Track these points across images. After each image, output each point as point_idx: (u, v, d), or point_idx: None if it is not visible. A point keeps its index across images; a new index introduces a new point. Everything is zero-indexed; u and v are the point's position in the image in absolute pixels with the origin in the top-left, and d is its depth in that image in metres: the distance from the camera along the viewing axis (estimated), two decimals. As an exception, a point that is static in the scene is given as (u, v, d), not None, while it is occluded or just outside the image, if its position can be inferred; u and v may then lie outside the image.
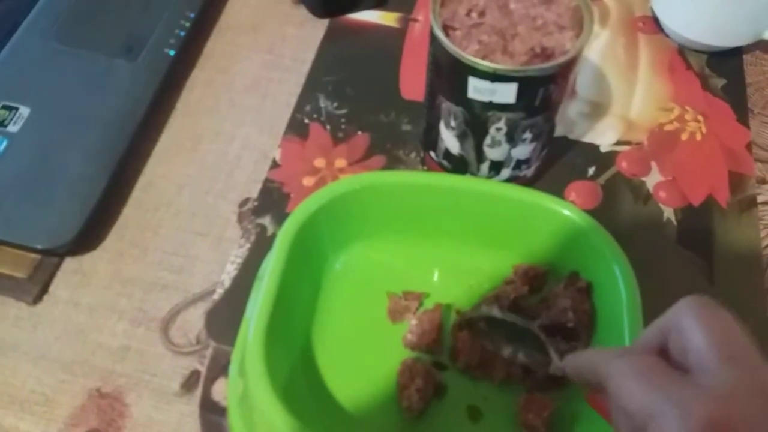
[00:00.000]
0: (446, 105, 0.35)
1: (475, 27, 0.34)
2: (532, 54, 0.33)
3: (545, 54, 0.33)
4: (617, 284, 0.32)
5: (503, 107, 0.33)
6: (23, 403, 0.35)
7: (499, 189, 0.36)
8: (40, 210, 0.39)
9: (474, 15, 0.35)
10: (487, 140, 0.36)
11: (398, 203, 0.37)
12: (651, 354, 0.23)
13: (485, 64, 0.32)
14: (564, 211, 0.34)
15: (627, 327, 0.31)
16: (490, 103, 0.33)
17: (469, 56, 0.32)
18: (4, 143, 0.41)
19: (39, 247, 0.39)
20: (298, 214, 0.35)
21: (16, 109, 0.42)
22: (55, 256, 0.40)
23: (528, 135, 0.36)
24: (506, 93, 0.32)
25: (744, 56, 0.49)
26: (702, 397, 0.20)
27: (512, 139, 0.36)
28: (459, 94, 0.34)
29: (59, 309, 0.39)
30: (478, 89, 0.33)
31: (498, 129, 0.35)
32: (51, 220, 0.39)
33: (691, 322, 0.22)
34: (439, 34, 0.33)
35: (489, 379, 0.34)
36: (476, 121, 0.35)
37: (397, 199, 0.37)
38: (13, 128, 0.42)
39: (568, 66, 0.33)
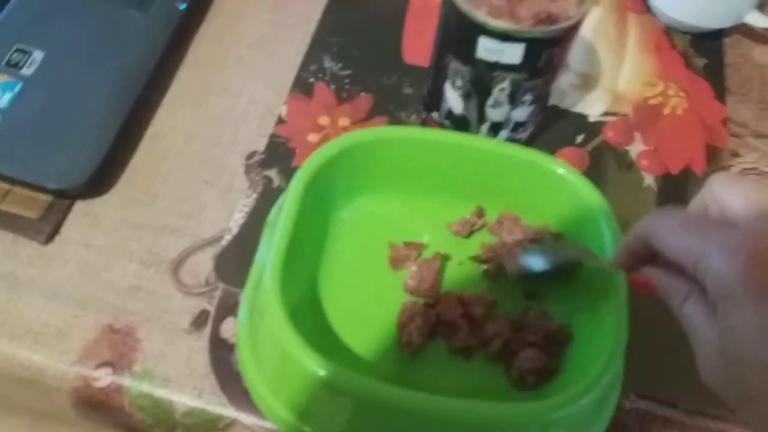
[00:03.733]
0: (454, 65, 0.38)
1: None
2: (537, 19, 0.36)
3: (549, 20, 0.36)
4: (602, 242, 0.35)
5: (509, 68, 0.36)
6: (37, 335, 0.37)
7: (500, 147, 0.38)
8: (54, 152, 0.40)
9: (484, -22, 0.37)
10: (490, 101, 0.38)
11: (405, 158, 0.39)
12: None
13: (496, 24, 0.34)
14: (558, 170, 0.37)
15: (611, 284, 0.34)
16: (497, 63, 0.36)
17: (481, 15, 0.34)
18: (19, 85, 0.42)
19: (52, 187, 0.40)
20: (311, 164, 0.37)
21: (30, 52, 0.43)
22: (66, 198, 0.41)
23: (529, 97, 0.38)
24: (513, 53, 0.35)
25: (724, 39, 0.52)
26: (743, 235, 0.23)
27: (514, 100, 0.38)
28: (468, 54, 0.36)
29: (71, 249, 0.40)
30: (487, 49, 0.35)
31: (501, 90, 0.37)
32: (64, 162, 0.40)
33: (723, 187, 0.25)
34: (452, -5, 0.35)
35: (449, 343, 0.36)
36: (481, 81, 0.37)
37: (404, 153, 0.39)
38: (27, 71, 0.42)
39: (572, 30, 0.35)
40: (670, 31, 0.52)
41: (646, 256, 0.27)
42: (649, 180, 0.45)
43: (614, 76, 0.49)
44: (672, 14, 0.51)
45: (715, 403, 0.37)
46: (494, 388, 0.35)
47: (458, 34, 0.36)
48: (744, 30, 0.52)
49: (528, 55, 0.35)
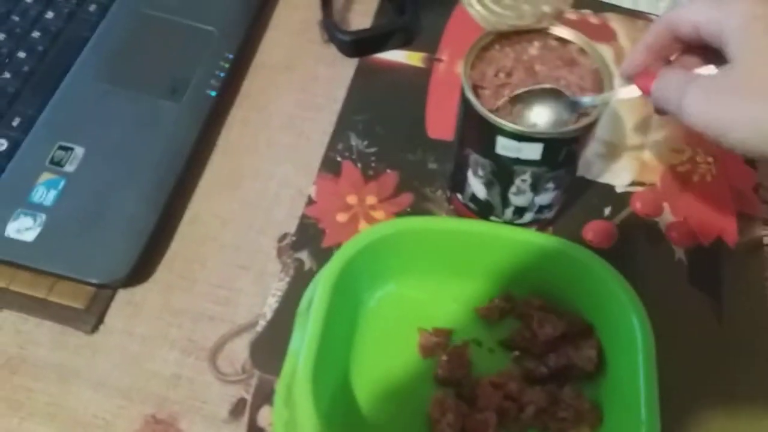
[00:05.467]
0: (474, 157, 0.38)
1: (503, 86, 0.37)
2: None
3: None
4: (634, 334, 0.35)
5: (529, 162, 0.36)
6: (86, 427, 0.39)
7: (524, 235, 0.39)
8: (96, 246, 0.42)
9: (502, 75, 0.38)
10: (513, 189, 0.39)
11: (428, 246, 0.40)
12: None
13: (512, 127, 0.35)
14: (584, 259, 0.37)
15: (642, 377, 0.34)
16: (517, 159, 0.36)
17: (497, 118, 0.35)
18: (63, 183, 0.44)
19: (95, 282, 0.42)
20: (339, 259, 0.38)
21: (72, 149, 0.46)
22: (109, 288, 0.43)
23: (551, 185, 0.39)
24: (532, 151, 0.35)
25: (753, 98, 0.52)
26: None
27: (536, 188, 0.39)
28: (487, 150, 0.37)
29: (115, 338, 0.42)
30: (505, 147, 0.36)
31: (523, 180, 0.38)
32: (106, 255, 0.42)
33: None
34: (470, 96, 0.36)
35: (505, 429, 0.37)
36: (503, 173, 0.38)
37: (427, 242, 0.40)
38: (69, 168, 0.45)
39: (589, 128, 0.36)
40: (696, 93, 0.52)
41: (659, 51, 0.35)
42: (679, 253, 0.44)
43: (641, 143, 0.49)
44: (697, 77, 0.50)
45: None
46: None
47: (476, 131, 0.37)
48: (773, 88, 0.52)
49: (547, 152, 0.35)
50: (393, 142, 0.50)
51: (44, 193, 0.44)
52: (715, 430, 0.38)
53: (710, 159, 0.48)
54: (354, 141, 0.50)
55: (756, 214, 0.46)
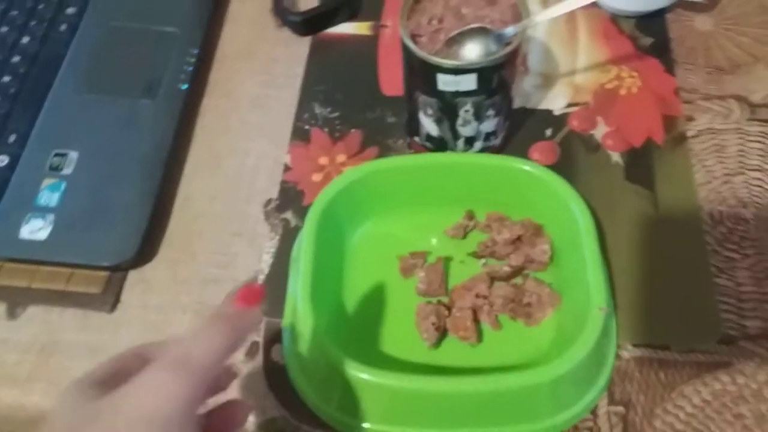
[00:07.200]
0: (422, 98, 0.44)
1: (437, 32, 0.43)
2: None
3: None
4: (576, 221, 0.40)
5: (468, 93, 0.42)
6: (122, 388, 0.44)
7: (474, 158, 0.44)
8: (104, 235, 0.47)
9: (434, 22, 0.43)
10: (459, 121, 0.44)
11: (396, 183, 0.45)
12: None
13: (448, 62, 0.40)
14: (524, 167, 0.43)
15: (588, 254, 0.40)
16: (457, 91, 0.42)
17: (435, 58, 0.40)
18: (64, 184, 0.49)
19: (107, 264, 0.47)
20: (318, 203, 0.43)
21: (66, 154, 0.50)
22: (120, 270, 0.48)
23: (491, 112, 0.44)
24: (468, 82, 0.41)
25: (667, 15, 0.58)
26: None
27: (479, 116, 0.44)
28: (431, 88, 0.42)
29: (133, 313, 0.47)
30: (445, 82, 0.41)
31: (466, 111, 0.43)
32: (113, 241, 0.47)
33: None
34: (409, 43, 0.41)
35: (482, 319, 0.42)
36: (448, 107, 0.43)
37: (395, 179, 0.45)
38: (67, 171, 0.50)
39: (513, 53, 0.41)
40: (615, 18, 0.58)
41: None
42: (615, 157, 0.50)
43: (571, 69, 0.55)
44: (615, 5, 0.56)
45: (703, 340, 0.43)
46: (500, 365, 0.41)
47: (420, 74, 0.42)
48: (683, 3, 0.58)
49: (481, 80, 0.41)
50: (353, 104, 0.55)
51: (49, 196, 0.49)
52: (656, 292, 0.44)
53: (634, 73, 0.54)
54: (318, 109, 0.55)
55: (679, 114, 0.52)
